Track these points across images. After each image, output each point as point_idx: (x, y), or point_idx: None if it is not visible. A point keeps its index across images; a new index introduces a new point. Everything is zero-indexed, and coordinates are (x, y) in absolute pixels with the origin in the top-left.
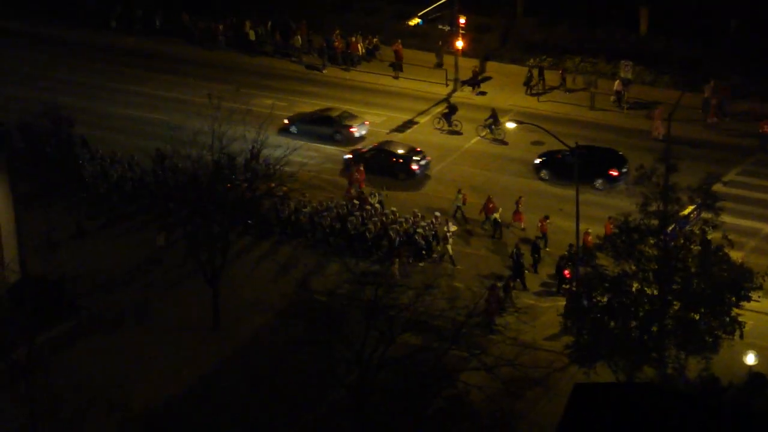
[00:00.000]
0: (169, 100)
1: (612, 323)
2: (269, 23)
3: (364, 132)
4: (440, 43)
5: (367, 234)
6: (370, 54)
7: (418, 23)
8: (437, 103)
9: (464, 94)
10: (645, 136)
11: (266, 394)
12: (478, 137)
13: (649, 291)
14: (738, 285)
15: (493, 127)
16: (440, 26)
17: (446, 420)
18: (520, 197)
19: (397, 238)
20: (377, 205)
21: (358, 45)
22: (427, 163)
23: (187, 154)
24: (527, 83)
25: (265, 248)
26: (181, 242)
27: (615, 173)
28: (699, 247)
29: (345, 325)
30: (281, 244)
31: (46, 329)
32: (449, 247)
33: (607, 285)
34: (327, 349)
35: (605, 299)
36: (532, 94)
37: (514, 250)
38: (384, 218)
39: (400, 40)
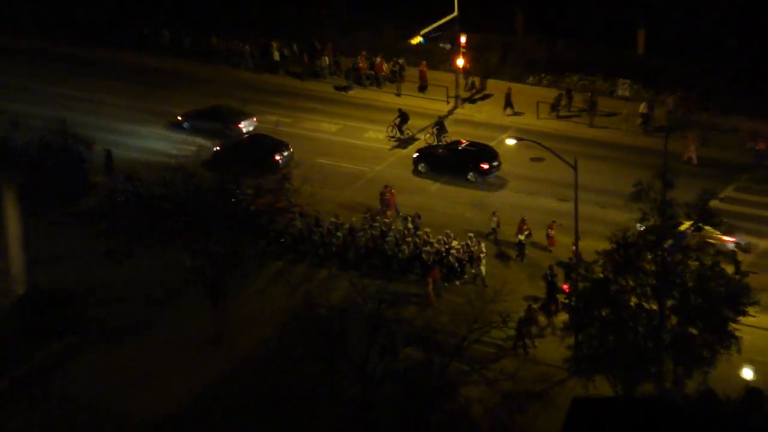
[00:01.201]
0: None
1: (610, 337)
2: (294, 45)
3: (251, 128)
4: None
5: (400, 255)
6: (396, 74)
7: (420, 42)
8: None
9: (465, 111)
10: (642, 152)
11: (268, 406)
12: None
13: (647, 306)
14: (735, 300)
15: (439, 135)
16: (441, 45)
17: None
18: (553, 221)
19: (430, 259)
20: (410, 226)
21: (383, 65)
22: (290, 155)
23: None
24: (555, 106)
25: (302, 271)
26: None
27: (486, 166)
28: (697, 263)
29: (347, 339)
30: (315, 267)
31: (52, 341)
32: (482, 268)
33: (605, 300)
34: (329, 363)
35: (604, 313)
36: (559, 117)
37: (548, 271)
38: (417, 239)
39: (424, 62)
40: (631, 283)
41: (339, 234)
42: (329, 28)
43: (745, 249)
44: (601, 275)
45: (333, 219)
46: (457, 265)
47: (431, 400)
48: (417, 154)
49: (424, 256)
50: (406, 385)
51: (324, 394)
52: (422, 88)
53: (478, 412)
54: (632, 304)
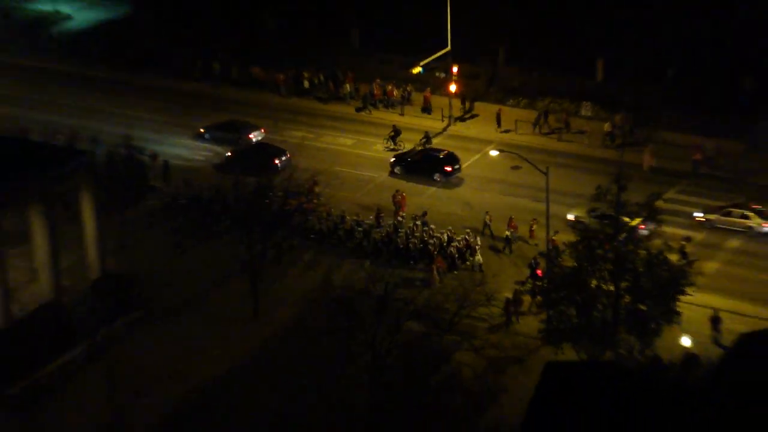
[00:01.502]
0: None
1: (576, 313)
2: (321, 75)
3: (260, 138)
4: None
5: (411, 246)
6: (405, 99)
7: (420, 71)
8: (435, 135)
9: (456, 128)
10: (602, 162)
11: (298, 370)
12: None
13: (605, 287)
14: (677, 282)
15: (425, 145)
16: (437, 74)
17: (443, 391)
18: (534, 219)
19: (436, 251)
20: (418, 223)
21: (394, 91)
22: (288, 160)
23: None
24: (536, 124)
25: (328, 261)
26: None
27: (449, 169)
28: (645, 252)
29: (362, 316)
30: (340, 258)
31: (120, 317)
32: (478, 257)
33: (571, 282)
34: (347, 335)
35: (571, 294)
36: (539, 133)
37: (532, 261)
38: (424, 234)
39: (429, 88)
40: (592, 268)
41: (360, 229)
42: (345, 57)
43: (686, 239)
44: (575, 264)
45: (354, 217)
46: (457, 255)
47: (430, 365)
48: (393, 159)
49: (430, 247)
50: (409, 352)
51: (342, 360)
52: (425, 110)
53: (468, 374)
54: (593, 285)
